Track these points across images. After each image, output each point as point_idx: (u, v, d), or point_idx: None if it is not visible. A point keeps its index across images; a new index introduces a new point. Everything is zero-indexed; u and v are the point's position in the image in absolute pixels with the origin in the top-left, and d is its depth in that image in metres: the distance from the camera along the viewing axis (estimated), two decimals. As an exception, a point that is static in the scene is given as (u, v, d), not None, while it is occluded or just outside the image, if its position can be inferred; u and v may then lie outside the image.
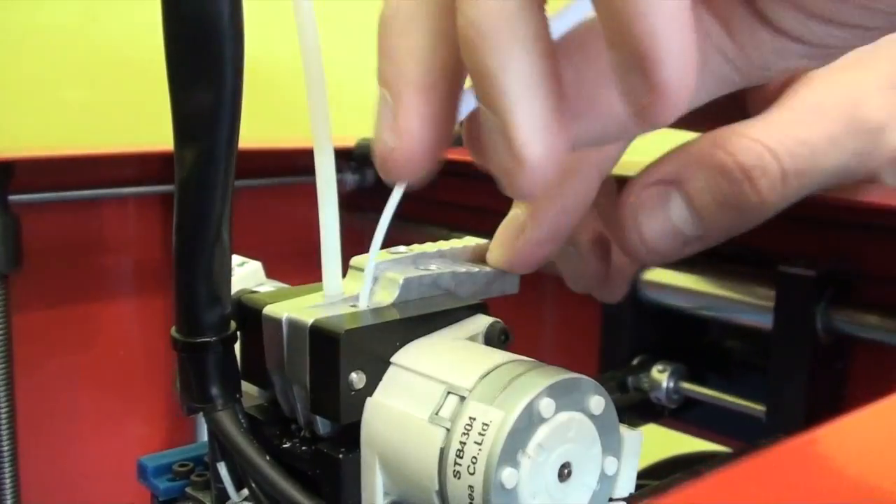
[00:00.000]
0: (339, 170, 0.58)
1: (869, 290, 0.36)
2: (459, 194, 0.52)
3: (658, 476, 0.36)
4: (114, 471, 0.52)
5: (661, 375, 0.41)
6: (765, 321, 0.37)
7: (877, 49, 0.32)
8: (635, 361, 0.42)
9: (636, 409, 0.42)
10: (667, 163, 0.30)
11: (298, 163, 0.56)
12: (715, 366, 0.43)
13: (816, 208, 0.34)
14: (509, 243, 0.28)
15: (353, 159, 0.57)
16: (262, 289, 0.29)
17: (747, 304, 0.38)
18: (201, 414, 0.49)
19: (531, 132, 0.19)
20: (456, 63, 0.21)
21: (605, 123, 0.21)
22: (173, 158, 0.52)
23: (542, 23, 0.20)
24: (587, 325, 0.45)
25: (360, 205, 0.58)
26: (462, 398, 0.22)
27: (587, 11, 0.22)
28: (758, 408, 0.38)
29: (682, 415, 0.42)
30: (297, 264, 0.46)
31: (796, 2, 0.19)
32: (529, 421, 0.21)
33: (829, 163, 0.31)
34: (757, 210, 0.29)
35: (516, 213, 0.28)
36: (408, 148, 0.22)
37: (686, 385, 0.41)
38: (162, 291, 0.53)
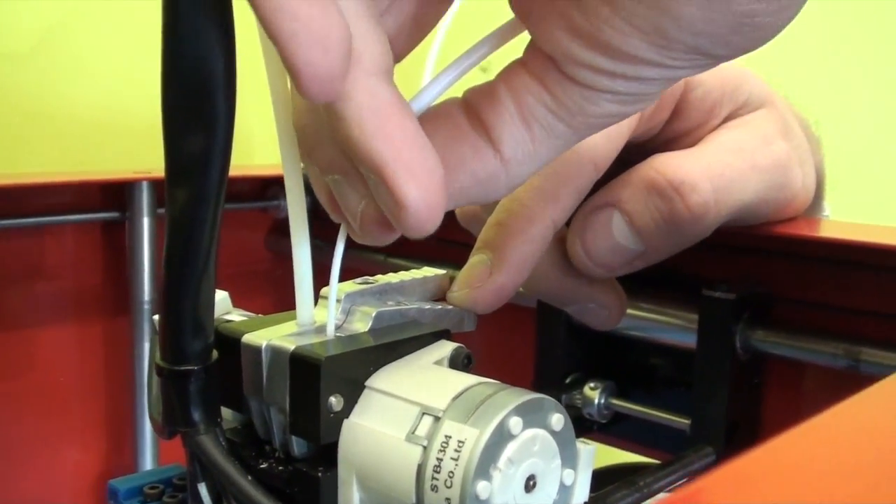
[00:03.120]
0: (275, 195, 0.60)
1: (782, 311, 0.40)
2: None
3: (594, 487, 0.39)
4: (51, 497, 0.53)
5: (593, 392, 0.44)
6: (689, 340, 0.40)
7: (773, 106, 0.36)
8: (568, 380, 0.45)
9: (570, 424, 0.44)
10: (609, 188, 0.33)
11: (234, 189, 0.57)
12: (643, 383, 0.45)
13: (736, 237, 0.38)
14: (476, 285, 0.30)
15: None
16: (230, 317, 0.30)
17: (673, 325, 0.41)
18: (133, 441, 0.50)
19: (407, 181, 0.22)
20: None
21: (465, 178, 0.24)
22: (114, 187, 0.53)
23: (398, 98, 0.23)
24: (523, 347, 0.48)
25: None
26: (437, 418, 0.24)
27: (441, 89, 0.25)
28: (683, 421, 0.41)
29: (611, 429, 0.45)
30: (246, 288, 0.48)
31: (587, 64, 0.22)
32: (500, 437, 0.24)
33: (751, 187, 0.34)
34: (690, 226, 0.32)
35: (481, 258, 0.31)
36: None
37: (616, 401, 0.44)
38: (101, 317, 0.54)
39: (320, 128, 0.24)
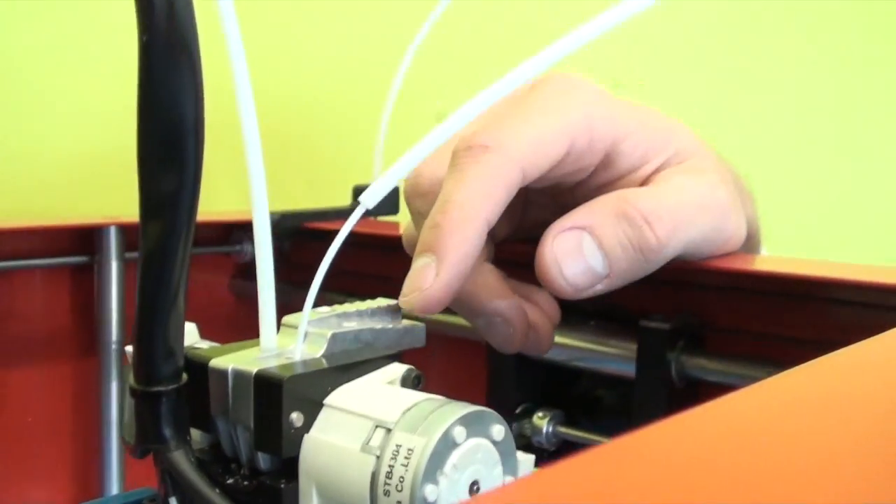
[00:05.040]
0: (238, 241, 0.62)
1: (714, 340, 0.43)
2: (349, 262, 0.56)
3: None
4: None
5: (541, 421, 0.46)
6: (629, 370, 0.43)
7: (705, 156, 0.40)
8: (519, 410, 0.48)
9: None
10: (578, 212, 0.36)
11: (198, 233, 0.59)
12: (588, 411, 0.48)
13: (670, 272, 0.41)
14: (425, 286, 0.33)
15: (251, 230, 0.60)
16: (199, 345, 0.33)
17: (614, 356, 0.44)
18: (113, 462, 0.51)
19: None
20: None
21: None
22: (83, 232, 0.55)
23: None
24: (475, 378, 0.50)
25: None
26: (388, 430, 0.27)
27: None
28: (625, 446, 0.44)
29: (560, 456, 0.48)
30: (210, 330, 0.50)
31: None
32: (445, 446, 0.26)
33: (699, 224, 0.37)
34: (653, 255, 0.35)
35: (425, 260, 0.33)
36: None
37: (563, 429, 0.46)
38: (69, 358, 0.55)
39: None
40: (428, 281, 0.33)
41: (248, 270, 0.62)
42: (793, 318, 0.42)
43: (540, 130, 0.35)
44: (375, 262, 0.56)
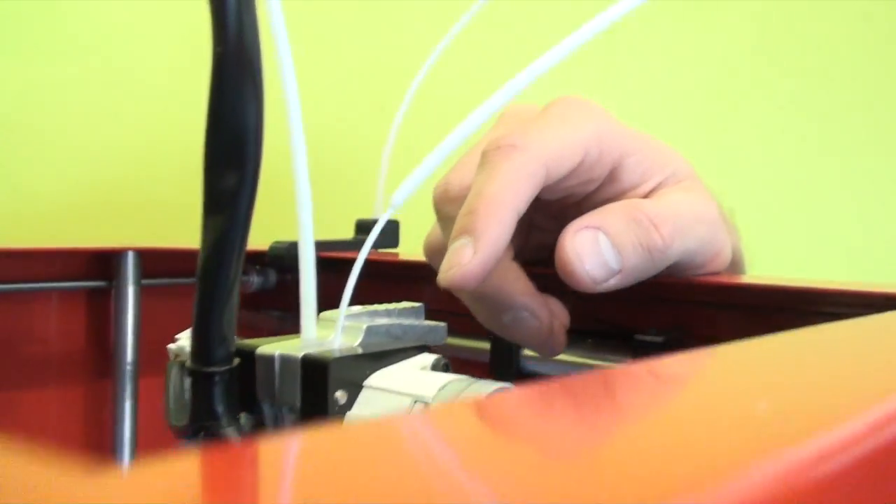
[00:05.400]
0: (245, 272, 0.65)
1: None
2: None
3: None
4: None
5: (541, 433, 0.49)
6: (625, 382, 0.46)
7: (697, 180, 0.44)
8: (520, 423, 0.50)
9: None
10: (592, 215, 0.39)
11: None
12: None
13: (661, 289, 0.44)
14: (464, 263, 0.35)
15: (257, 262, 0.63)
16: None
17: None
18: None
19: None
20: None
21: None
22: (102, 257, 0.58)
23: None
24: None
25: (262, 303, 0.65)
26: (426, 404, 0.30)
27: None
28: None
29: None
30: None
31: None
32: (479, 416, 0.29)
33: (695, 234, 0.41)
34: (659, 255, 0.39)
35: (462, 241, 0.36)
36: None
37: (562, 441, 0.49)
38: (85, 380, 0.58)
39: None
40: (466, 258, 0.35)
41: (253, 301, 0.65)
42: (778, 330, 0.45)
43: (560, 137, 0.39)
44: (377, 291, 0.59)
